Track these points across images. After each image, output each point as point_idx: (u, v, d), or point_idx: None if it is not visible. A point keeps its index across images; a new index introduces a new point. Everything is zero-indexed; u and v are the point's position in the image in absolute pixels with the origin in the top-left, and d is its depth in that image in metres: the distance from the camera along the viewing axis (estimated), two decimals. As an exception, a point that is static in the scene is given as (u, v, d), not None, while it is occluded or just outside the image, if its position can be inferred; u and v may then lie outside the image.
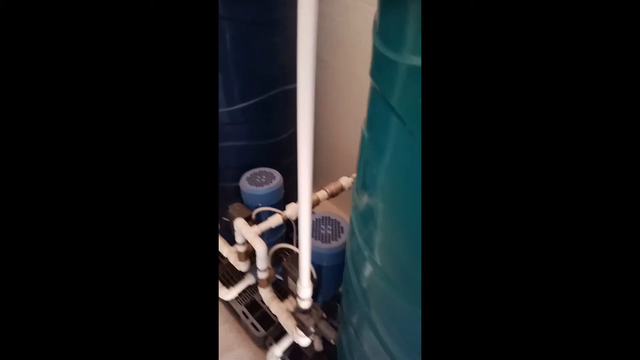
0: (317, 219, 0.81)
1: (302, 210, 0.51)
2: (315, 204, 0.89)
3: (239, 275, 1.11)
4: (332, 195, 0.92)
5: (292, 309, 0.87)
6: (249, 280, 1.09)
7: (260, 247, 0.78)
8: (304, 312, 0.69)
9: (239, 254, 0.92)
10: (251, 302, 1.09)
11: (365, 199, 0.51)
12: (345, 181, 0.94)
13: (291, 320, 0.83)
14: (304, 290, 0.64)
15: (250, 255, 0.92)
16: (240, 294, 1.10)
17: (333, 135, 1.43)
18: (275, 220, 0.85)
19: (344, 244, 0.76)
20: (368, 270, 0.58)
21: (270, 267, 0.87)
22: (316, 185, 1.65)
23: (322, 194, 0.90)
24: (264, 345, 1.01)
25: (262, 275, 0.84)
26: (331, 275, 0.81)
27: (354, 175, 0.99)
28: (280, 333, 0.97)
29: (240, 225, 0.83)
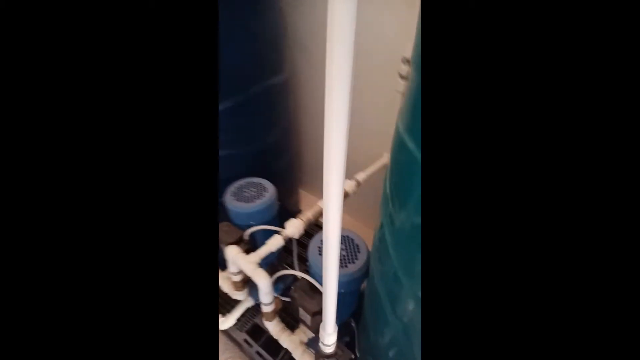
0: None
1: (329, 261, 0.39)
2: (317, 216, 0.77)
3: (234, 299, 0.98)
4: (335, 204, 0.80)
5: (305, 339, 0.77)
6: (247, 303, 0.97)
7: (263, 281, 0.66)
8: (329, 356, 0.58)
9: (234, 283, 0.79)
10: (253, 327, 0.98)
11: (404, 217, 0.42)
12: (349, 185, 0.82)
13: (308, 355, 0.73)
14: (329, 337, 0.53)
15: (247, 282, 0.80)
16: (239, 319, 0.98)
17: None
18: (275, 243, 0.72)
19: (363, 267, 0.65)
20: (410, 305, 0.48)
21: (276, 296, 0.75)
22: (312, 189, 1.50)
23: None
24: (274, 374, 0.91)
25: (267, 309, 0.72)
26: (349, 300, 0.70)
27: (357, 177, 0.86)
28: (292, 361, 0.87)
29: (233, 255, 0.70)
